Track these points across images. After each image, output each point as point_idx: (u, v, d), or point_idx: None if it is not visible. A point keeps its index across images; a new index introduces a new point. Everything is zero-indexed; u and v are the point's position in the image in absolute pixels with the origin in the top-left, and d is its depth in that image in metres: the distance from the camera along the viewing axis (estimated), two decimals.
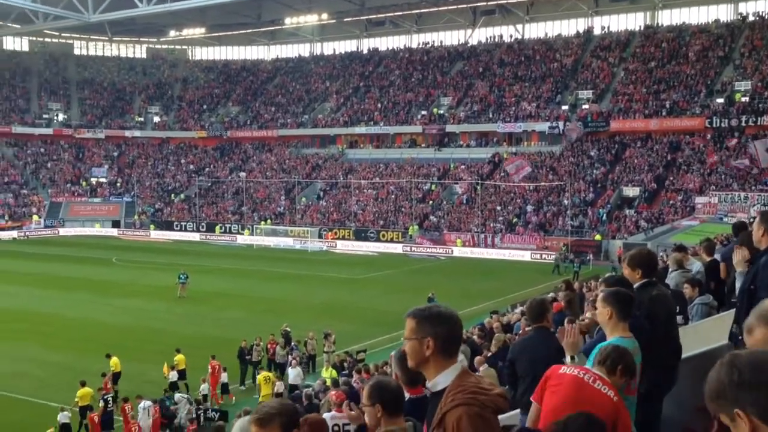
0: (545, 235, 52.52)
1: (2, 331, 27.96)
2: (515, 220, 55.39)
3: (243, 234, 63.10)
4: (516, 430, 3.13)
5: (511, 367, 5.78)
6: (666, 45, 65.42)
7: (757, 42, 61.13)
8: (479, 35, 79.78)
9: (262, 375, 19.62)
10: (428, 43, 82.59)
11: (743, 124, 54.69)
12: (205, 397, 19.22)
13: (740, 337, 5.38)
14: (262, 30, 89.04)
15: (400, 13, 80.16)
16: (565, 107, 64.44)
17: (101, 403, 17.63)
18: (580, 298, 13.95)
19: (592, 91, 64.77)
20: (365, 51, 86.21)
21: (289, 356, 21.60)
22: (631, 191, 54.58)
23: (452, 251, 53.57)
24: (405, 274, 44.44)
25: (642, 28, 70.43)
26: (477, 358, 11.51)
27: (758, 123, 53.98)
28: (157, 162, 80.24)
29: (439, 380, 2.63)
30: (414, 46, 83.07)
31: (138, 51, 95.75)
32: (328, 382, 16.50)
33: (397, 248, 55.80)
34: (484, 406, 2.42)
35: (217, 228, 65.59)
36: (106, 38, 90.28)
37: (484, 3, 76.06)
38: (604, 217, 52.62)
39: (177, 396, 18.94)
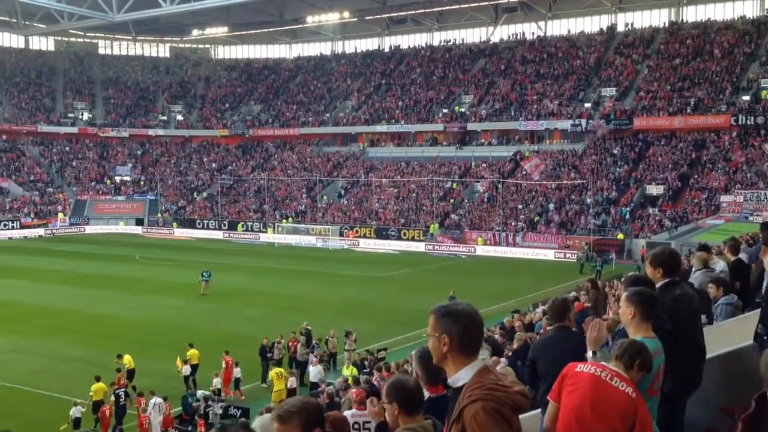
0: (567, 233, 52.18)
1: (27, 327, 28.38)
2: (537, 218, 55.09)
3: (266, 232, 63.34)
4: None
5: (532, 367, 5.76)
6: (691, 42, 64.66)
7: None
8: (501, 33, 79.43)
9: (275, 371, 19.76)
10: (450, 40, 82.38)
11: None
12: (218, 391, 19.43)
13: (765, 338, 5.32)
14: (284, 29, 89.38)
15: (422, 11, 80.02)
16: (587, 105, 63.94)
17: (113, 398, 17.90)
18: (602, 297, 13.82)
19: (616, 89, 64.21)
20: (386, 49, 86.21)
21: (311, 354, 21.68)
22: (654, 190, 54.03)
23: (475, 250, 53.39)
24: (426, 273, 44.40)
25: (666, 25, 69.68)
26: (493, 358, 11.48)
27: None
28: (180, 160, 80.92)
29: (459, 377, 2.66)
30: (435, 43, 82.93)
31: (161, 50, 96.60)
32: (350, 380, 16.53)
33: (417, 246, 55.74)
34: (502, 402, 2.43)
35: (239, 226, 65.98)
36: (130, 38, 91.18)
37: (506, 0, 75.65)
38: (627, 216, 52.15)
39: (199, 393, 19.09)
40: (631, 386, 3.12)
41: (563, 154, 61.02)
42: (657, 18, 71.69)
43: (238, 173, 76.09)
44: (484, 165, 63.82)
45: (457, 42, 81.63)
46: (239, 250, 56.15)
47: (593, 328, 4.23)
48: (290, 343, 22.67)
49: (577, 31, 74.91)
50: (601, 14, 74.50)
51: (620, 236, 49.85)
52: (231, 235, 64.84)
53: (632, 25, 71.86)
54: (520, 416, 2.56)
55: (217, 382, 19.66)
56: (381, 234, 59.10)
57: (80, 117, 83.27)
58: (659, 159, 56.62)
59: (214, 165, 78.85)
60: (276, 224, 64.09)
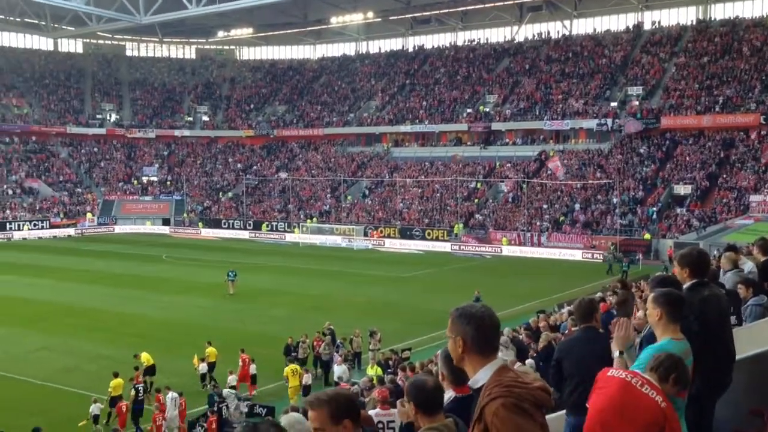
0: (593, 233, 51.75)
1: (56, 325, 28.83)
2: (562, 218, 54.71)
3: (293, 232, 63.56)
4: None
5: (557, 367, 5.72)
6: (719, 39, 63.76)
7: None
8: (526, 32, 79.00)
9: (290, 367, 19.98)
10: (474, 40, 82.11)
11: None
12: (233, 388, 19.69)
13: None
14: (309, 29, 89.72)
15: (446, 10, 79.87)
16: (614, 104, 63.34)
17: (132, 392, 18.22)
18: (631, 297, 13.70)
19: (642, 88, 63.54)
20: (410, 49, 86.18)
21: (335, 354, 21.75)
22: (682, 189, 53.35)
23: (501, 250, 53.12)
24: (450, 273, 44.31)
25: (694, 23, 68.81)
26: (509, 360, 11.44)
27: None
28: (206, 161, 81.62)
29: (479, 377, 2.69)
30: (459, 43, 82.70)
31: (187, 52, 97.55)
32: (374, 380, 16.57)
33: (442, 246, 55.63)
34: (522, 398, 2.43)
35: (264, 226, 66.37)
36: (157, 39, 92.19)
37: None
38: (654, 216, 51.57)
39: (225, 391, 19.24)
40: (661, 395, 3.07)
41: (589, 154, 60.54)
42: (684, 16, 70.82)
43: (262, 173, 76.55)
44: (508, 165, 63.51)
45: (482, 41, 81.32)
46: (265, 249, 56.49)
47: (620, 328, 4.20)
48: (315, 343, 22.78)
49: (603, 29, 74.25)
50: (627, 12, 73.77)
51: (647, 236, 49.32)
52: (257, 235, 65.27)
53: (659, 23, 71.07)
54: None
55: (232, 379, 19.94)
56: (405, 234, 59.08)
57: (108, 118, 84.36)
58: (687, 158, 55.92)
59: (239, 165, 79.41)
60: (300, 224, 64.38)
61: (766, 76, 58.21)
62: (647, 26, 71.54)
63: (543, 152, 62.95)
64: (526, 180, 59.05)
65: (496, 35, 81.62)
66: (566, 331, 14.62)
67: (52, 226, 66.69)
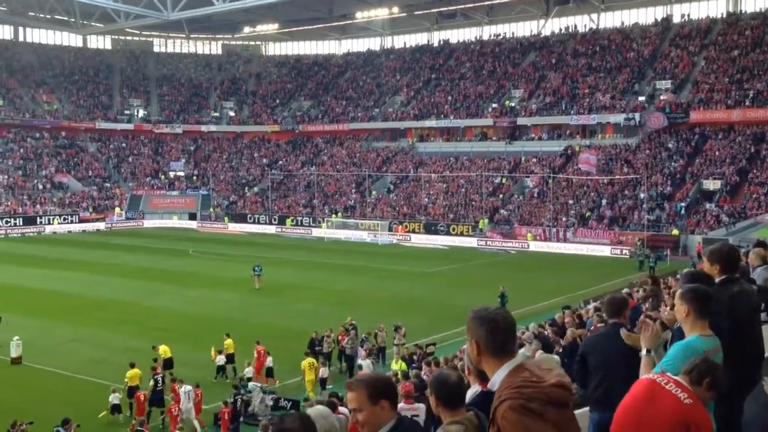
0: (620, 229, 51.26)
1: (86, 318, 29.27)
2: (588, 214, 54.26)
3: (320, 227, 63.71)
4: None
5: (582, 362, 5.69)
6: (750, 32, 62.69)
7: None
8: (552, 26, 78.37)
9: (306, 361, 20.17)
10: (500, 34, 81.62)
11: None
12: (249, 379, 20.02)
13: None
14: (334, 24, 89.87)
15: (472, 5, 79.46)
16: (642, 98, 62.61)
17: (151, 383, 18.51)
18: (660, 293, 13.56)
19: (671, 81, 62.72)
20: (436, 44, 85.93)
21: (360, 348, 21.82)
22: (711, 184, 52.61)
23: (528, 246, 52.81)
24: (475, 268, 44.20)
25: (724, 16, 67.73)
26: (532, 349, 11.39)
27: None
28: (232, 156, 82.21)
29: (495, 379, 2.70)
30: (485, 37, 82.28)
31: (214, 47, 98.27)
32: (399, 375, 16.59)
33: (467, 242, 55.49)
34: (531, 397, 2.41)
35: (288, 221, 66.71)
36: (184, 35, 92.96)
37: None
38: (683, 212, 50.92)
39: (251, 385, 19.41)
40: (686, 392, 3.02)
41: (616, 149, 59.93)
42: (714, 8, 69.73)
43: (288, 168, 76.90)
44: (534, 160, 63.12)
45: (508, 36, 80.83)
46: (290, 244, 56.78)
47: (647, 327, 4.16)
48: (340, 337, 22.88)
49: (631, 22, 73.41)
50: (656, 5, 72.80)
51: (675, 232, 48.75)
52: (284, 230, 65.65)
53: (688, 16, 70.06)
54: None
55: (249, 370, 20.24)
56: (430, 229, 59.02)
57: (136, 114, 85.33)
58: (716, 153, 55.12)
59: (264, 160, 79.88)
60: (325, 219, 64.63)
61: None
62: (676, 19, 70.58)
63: (569, 147, 62.45)
64: (551, 175, 58.63)
65: (522, 29, 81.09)
66: (592, 327, 14.52)
67: (81, 221, 67.67)
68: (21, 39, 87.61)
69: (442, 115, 72.63)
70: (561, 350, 12.61)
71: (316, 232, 63.09)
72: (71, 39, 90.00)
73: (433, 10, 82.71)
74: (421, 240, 57.51)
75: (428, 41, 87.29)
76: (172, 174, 78.71)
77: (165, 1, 68.33)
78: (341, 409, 10.51)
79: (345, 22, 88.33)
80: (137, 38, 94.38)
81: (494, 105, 70.84)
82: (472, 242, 55.18)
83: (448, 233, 57.89)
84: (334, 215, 65.30)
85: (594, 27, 75.12)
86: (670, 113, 59.14)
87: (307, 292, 35.23)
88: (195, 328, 27.18)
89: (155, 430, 17.76)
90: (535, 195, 59.27)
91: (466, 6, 79.87)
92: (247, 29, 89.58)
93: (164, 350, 21.29)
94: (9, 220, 63.82)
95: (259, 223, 68.41)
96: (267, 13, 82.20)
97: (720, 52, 62.78)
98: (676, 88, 62.10)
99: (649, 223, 50.56)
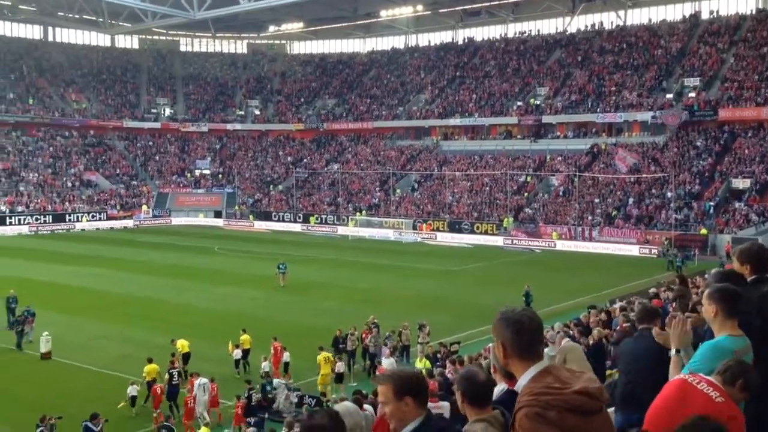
0: (647, 228, 50.71)
1: (114, 314, 29.64)
2: (614, 212, 53.76)
3: (346, 225, 63.81)
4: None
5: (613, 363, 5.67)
6: None
7: None
8: (578, 23, 77.72)
9: (322, 355, 20.29)
10: (525, 32, 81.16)
11: None
12: (266, 374, 20.29)
13: None
14: (358, 23, 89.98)
15: (497, 2, 79.09)
16: (669, 96, 61.86)
17: (166, 376, 18.91)
18: (689, 293, 13.44)
19: (700, 79, 61.88)
20: (460, 42, 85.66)
21: (384, 347, 21.85)
22: (741, 183, 51.83)
23: (555, 244, 52.44)
24: (500, 267, 44.03)
25: (754, 12, 66.67)
26: (558, 335, 11.33)
27: None
28: (257, 154, 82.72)
29: (521, 383, 2.67)
30: (510, 35, 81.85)
31: (239, 46, 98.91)
32: (423, 373, 16.62)
33: (491, 240, 55.27)
34: (549, 405, 2.34)
35: (312, 219, 66.96)
36: (210, 35, 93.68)
37: None
38: (711, 211, 50.24)
39: (276, 382, 19.54)
40: (718, 391, 3.00)
41: (643, 147, 59.29)
42: (743, 4, 68.66)
43: (312, 166, 77.18)
44: (559, 158, 62.68)
45: (533, 33, 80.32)
46: (314, 242, 56.99)
47: (677, 325, 4.12)
48: (364, 335, 22.94)
49: (659, 19, 72.56)
50: (683, 1, 71.92)
51: (704, 231, 48.11)
52: (309, 227, 65.93)
53: (717, 12, 69.07)
54: None
55: (265, 365, 20.47)
56: (454, 227, 58.90)
57: (162, 112, 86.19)
58: (746, 151, 54.29)
59: (289, 158, 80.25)
60: (349, 217, 64.78)
61: None
62: (705, 15, 69.64)
63: (595, 145, 61.93)
64: (577, 173, 58.18)
65: (547, 27, 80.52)
66: (618, 328, 14.41)
67: (109, 218, 68.53)
68: (50, 39, 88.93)
69: (467, 114, 72.40)
70: (586, 350, 12.54)
71: (341, 230, 63.23)
72: (99, 39, 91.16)
73: (457, 8, 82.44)
74: (446, 238, 57.40)
75: (453, 39, 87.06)
76: (197, 172, 79.42)
77: (191, 0, 68.89)
78: (366, 406, 10.54)
79: (369, 21, 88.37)
80: (164, 38, 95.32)
81: (519, 103, 70.46)
82: (496, 241, 54.95)
83: (472, 232, 57.73)
84: (358, 213, 65.42)
85: (621, 24, 74.37)
86: (698, 111, 58.38)
87: (331, 290, 35.35)
88: (220, 324, 27.39)
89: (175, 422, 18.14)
90: (561, 193, 58.86)
91: (491, 4, 79.51)
92: (272, 28, 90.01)
93: (182, 345, 21.67)
94: (39, 217, 64.84)
95: (283, 221, 68.78)
96: (292, 11, 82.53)
97: (749, 49, 61.81)
98: (705, 85, 61.27)
99: (677, 222, 49.97)
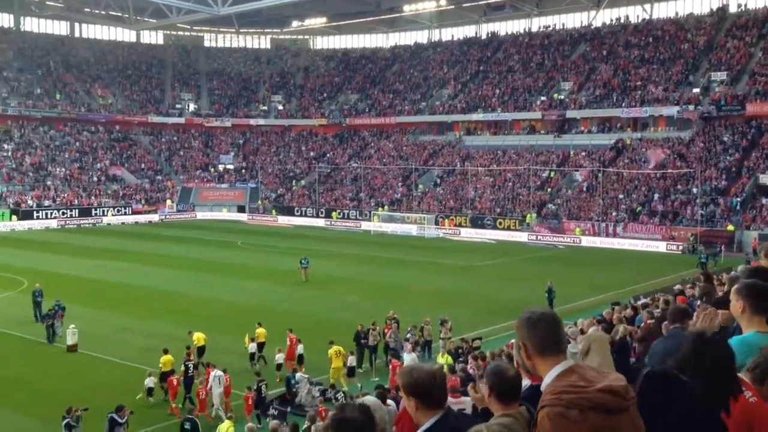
0: (671, 224, 50.15)
1: (138, 308, 30.00)
2: (639, 208, 53.24)
3: (370, 220, 63.78)
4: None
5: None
6: None
7: None
8: (603, 16, 76.96)
9: (333, 348, 20.39)
10: (549, 26, 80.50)
11: None
12: (279, 365, 20.66)
13: None
14: (381, 18, 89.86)
15: None
16: (696, 90, 61.04)
17: (182, 368, 19.24)
18: (713, 291, 13.26)
19: (727, 73, 60.97)
20: (484, 36, 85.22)
21: (406, 342, 21.85)
22: None
23: (580, 240, 52.05)
24: (522, 263, 43.82)
25: None
26: (586, 322, 11.24)
27: None
28: (280, 149, 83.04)
29: (545, 382, 2.64)
30: (534, 29, 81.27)
31: (263, 42, 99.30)
32: (445, 369, 16.59)
33: (513, 236, 55.01)
34: (571, 404, 2.31)
35: (334, 214, 67.11)
36: (234, 30, 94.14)
37: None
38: (738, 207, 49.57)
39: (298, 376, 19.65)
40: (751, 390, 2.97)
41: (669, 142, 58.61)
42: None
43: (335, 162, 77.32)
44: (583, 153, 62.17)
45: (557, 27, 79.66)
46: (337, 237, 57.14)
47: (705, 318, 4.07)
48: (386, 330, 22.96)
49: (686, 12, 71.59)
50: None
51: (730, 228, 47.49)
52: (332, 222, 66.11)
53: (745, 5, 67.96)
54: None
55: (279, 357, 20.82)
56: (476, 223, 58.71)
57: (187, 108, 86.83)
58: None
59: (311, 153, 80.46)
60: (372, 212, 64.83)
61: None
62: (732, 9, 68.58)
63: (620, 140, 61.34)
64: (601, 169, 57.68)
65: (572, 20, 79.83)
66: (641, 324, 14.27)
67: (134, 213, 69.26)
68: (77, 35, 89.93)
69: (490, 109, 72.06)
70: (611, 346, 12.43)
71: (365, 226, 63.31)
72: (125, 34, 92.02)
73: (481, 2, 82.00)
74: (470, 234, 57.25)
75: (476, 33, 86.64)
76: (221, 167, 79.96)
77: None
78: (389, 401, 10.56)
79: (392, 15, 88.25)
80: (188, 33, 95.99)
81: (543, 98, 69.98)
82: (519, 237, 54.69)
83: (494, 227, 57.51)
84: (380, 208, 65.44)
85: (647, 17, 73.50)
86: (725, 105, 57.57)
87: (353, 284, 35.44)
88: (243, 318, 27.57)
89: (183, 413, 18.31)
90: (584, 189, 58.39)
91: None
92: (295, 23, 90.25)
93: (198, 337, 21.98)
94: (66, 211, 65.68)
95: (305, 216, 69.03)
96: (315, 6, 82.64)
97: None
98: (732, 79, 60.38)
99: (703, 218, 49.37)
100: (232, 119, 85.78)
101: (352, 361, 20.62)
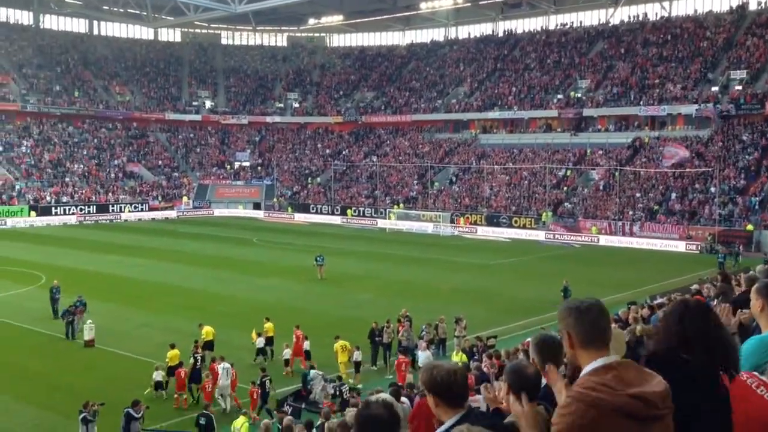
0: (689, 224, 49.76)
1: (155, 303, 30.23)
2: (656, 207, 52.85)
3: (387, 218, 63.79)
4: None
5: None
6: None
7: None
8: (621, 14, 76.43)
9: (339, 343, 20.59)
10: (566, 23, 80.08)
11: None
12: (286, 361, 20.89)
13: None
14: (398, 15, 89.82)
15: None
16: (715, 88, 60.48)
17: (191, 361, 19.57)
18: (731, 291, 13.14)
19: (746, 71, 60.37)
20: (500, 34, 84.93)
21: (420, 340, 21.83)
22: None
23: (598, 240, 51.77)
24: (538, 261, 43.66)
25: None
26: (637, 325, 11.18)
27: None
28: (296, 146, 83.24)
29: (582, 374, 2.55)
30: (551, 27, 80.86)
31: (279, 39, 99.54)
32: (459, 371, 16.55)
33: (529, 234, 54.82)
34: (598, 404, 2.22)
35: (350, 211, 67.18)
36: (250, 28, 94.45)
37: None
38: (757, 206, 49.09)
39: (312, 372, 19.69)
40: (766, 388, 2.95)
41: (687, 141, 58.13)
42: None
43: (350, 159, 77.39)
44: (600, 152, 61.82)
45: (575, 25, 79.22)
46: (352, 235, 57.21)
47: (720, 314, 4.04)
48: (399, 328, 22.96)
49: (705, 10, 70.94)
50: None
51: (749, 227, 47.04)
52: (348, 220, 66.19)
53: (765, 3, 67.20)
54: None
55: (286, 353, 21.03)
56: (492, 221, 58.58)
57: (203, 105, 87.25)
58: None
59: (327, 151, 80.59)
60: (387, 210, 64.85)
61: None
62: (752, 6, 67.85)
63: (637, 139, 60.92)
64: (618, 167, 57.32)
65: (590, 18, 79.37)
66: (657, 323, 14.18)
67: (150, 209, 69.71)
68: (95, 33, 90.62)
69: (506, 107, 71.81)
70: (627, 345, 12.38)
71: (380, 223, 63.31)
72: (143, 32, 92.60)
73: (497, 0, 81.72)
74: (486, 232, 57.12)
75: (493, 31, 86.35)
76: (237, 164, 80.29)
77: None
78: (403, 398, 10.57)
79: (409, 13, 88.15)
80: (206, 31, 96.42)
81: (559, 96, 69.63)
82: (534, 235, 54.49)
83: (510, 225, 57.34)
84: (395, 206, 65.44)
85: (665, 15, 72.91)
86: (744, 104, 57.00)
87: (368, 282, 35.49)
88: (258, 314, 27.66)
89: (191, 405, 18.73)
90: (601, 188, 58.07)
91: None
92: (312, 21, 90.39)
93: (207, 331, 22.24)
94: (83, 207, 66.25)
95: (321, 213, 69.18)
96: (332, 4, 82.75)
97: None
98: (752, 78, 59.77)
99: (721, 217, 48.93)
100: (248, 116, 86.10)
101: (357, 356, 20.65)
